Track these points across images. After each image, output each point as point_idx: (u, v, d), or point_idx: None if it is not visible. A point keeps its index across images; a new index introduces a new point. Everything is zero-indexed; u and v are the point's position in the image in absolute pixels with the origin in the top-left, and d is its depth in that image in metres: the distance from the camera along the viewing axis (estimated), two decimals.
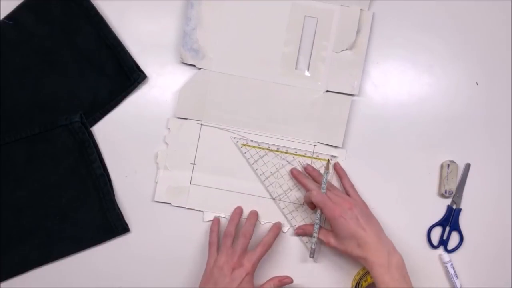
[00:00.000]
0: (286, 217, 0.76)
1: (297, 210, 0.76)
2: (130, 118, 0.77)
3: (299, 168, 0.76)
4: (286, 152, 0.76)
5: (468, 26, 0.76)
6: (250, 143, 0.75)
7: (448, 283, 0.76)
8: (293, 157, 0.76)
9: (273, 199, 0.76)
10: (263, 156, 0.76)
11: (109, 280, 0.76)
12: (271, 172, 0.76)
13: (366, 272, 0.73)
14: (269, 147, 0.76)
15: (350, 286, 0.75)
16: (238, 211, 0.75)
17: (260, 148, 0.76)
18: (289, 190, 0.76)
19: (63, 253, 0.76)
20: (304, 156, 0.76)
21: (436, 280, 0.76)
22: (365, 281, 0.73)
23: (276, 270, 0.76)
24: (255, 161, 0.76)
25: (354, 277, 0.75)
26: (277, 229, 0.74)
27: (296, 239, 0.76)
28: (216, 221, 0.75)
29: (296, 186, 0.76)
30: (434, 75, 0.77)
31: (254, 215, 0.75)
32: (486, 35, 0.76)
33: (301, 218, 0.76)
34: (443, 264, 0.76)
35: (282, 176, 0.76)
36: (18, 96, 0.76)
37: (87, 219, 0.76)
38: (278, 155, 0.76)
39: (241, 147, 0.76)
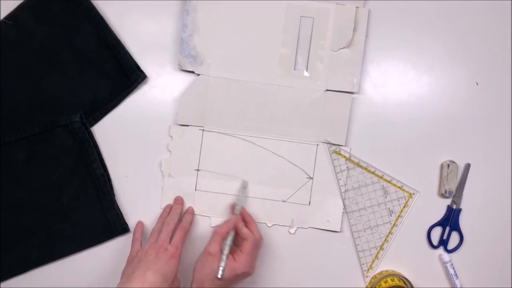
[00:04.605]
0: (292, 220, 0.76)
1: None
2: (130, 118, 0.77)
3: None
4: (373, 173, 0.75)
5: (468, 26, 0.76)
6: (342, 152, 0.75)
7: (448, 283, 0.76)
8: (379, 179, 0.76)
9: (284, 201, 0.76)
10: (350, 168, 0.76)
11: (109, 280, 0.76)
12: (352, 187, 0.76)
13: (384, 276, 0.74)
14: (359, 162, 0.75)
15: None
16: (166, 208, 0.76)
17: (349, 160, 0.75)
18: (364, 210, 0.76)
19: (63, 253, 0.76)
20: (389, 182, 0.76)
21: (436, 280, 0.76)
22: (385, 282, 0.73)
23: (280, 263, 0.76)
24: (341, 171, 0.76)
25: (370, 280, 0.76)
26: (190, 214, 0.75)
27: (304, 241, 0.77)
28: (140, 224, 0.76)
29: (372, 207, 0.76)
30: (434, 75, 0.77)
31: (180, 202, 0.75)
32: (486, 35, 0.76)
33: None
34: (443, 264, 0.76)
35: (361, 194, 0.76)
36: (18, 96, 0.76)
37: (87, 219, 0.76)
38: (364, 172, 0.75)
39: (332, 153, 0.75)
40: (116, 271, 0.71)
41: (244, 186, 0.75)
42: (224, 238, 0.70)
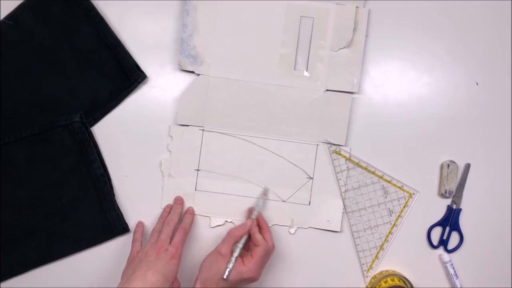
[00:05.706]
0: (292, 220, 0.77)
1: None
2: (130, 118, 0.77)
3: None
4: (373, 173, 0.75)
5: (468, 26, 0.76)
6: (342, 152, 0.75)
7: (448, 283, 0.76)
8: (379, 179, 0.76)
9: (283, 201, 0.76)
10: (350, 168, 0.76)
11: (109, 280, 0.76)
12: (352, 187, 0.76)
13: (384, 276, 0.74)
14: (359, 162, 0.75)
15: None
16: (166, 208, 0.76)
17: (349, 160, 0.75)
18: (364, 210, 0.76)
19: (63, 253, 0.76)
20: (389, 182, 0.76)
21: (436, 280, 0.76)
22: (385, 282, 0.73)
23: (283, 266, 0.76)
24: (341, 171, 0.76)
25: (370, 280, 0.76)
26: (190, 214, 0.75)
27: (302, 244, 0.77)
28: (140, 224, 0.76)
29: (372, 207, 0.76)
30: (434, 75, 0.77)
31: (180, 203, 0.76)
32: (486, 35, 0.76)
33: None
34: (443, 264, 0.76)
35: (361, 194, 0.76)
36: (18, 96, 0.76)
37: (87, 219, 0.76)
38: (364, 172, 0.76)
39: (332, 153, 0.75)
40: (116, 271, 0.71)
41: (265, 192, 0.76)
42: (237, 241, 0.70)
